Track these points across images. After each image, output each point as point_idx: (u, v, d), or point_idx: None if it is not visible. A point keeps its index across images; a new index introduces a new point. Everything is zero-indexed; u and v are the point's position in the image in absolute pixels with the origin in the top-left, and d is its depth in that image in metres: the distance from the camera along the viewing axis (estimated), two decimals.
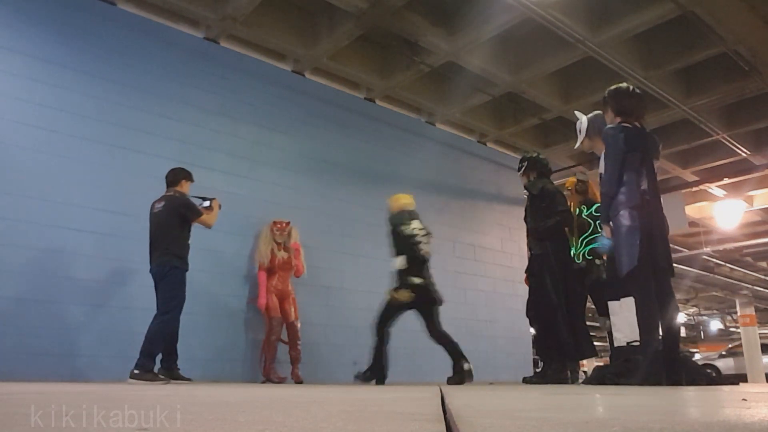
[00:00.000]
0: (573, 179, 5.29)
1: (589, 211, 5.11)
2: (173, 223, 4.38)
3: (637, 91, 3.94)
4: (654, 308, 3.63)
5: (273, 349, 5.38)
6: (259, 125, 6.19)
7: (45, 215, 4.68)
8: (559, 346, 4.60)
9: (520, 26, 6.12)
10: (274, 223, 5.71)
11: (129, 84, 5.36)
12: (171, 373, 4.46)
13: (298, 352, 5.50)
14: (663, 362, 3.52)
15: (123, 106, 5.28)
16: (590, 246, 4.95)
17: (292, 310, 5.57)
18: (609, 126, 3.82)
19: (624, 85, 4.00)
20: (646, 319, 3.61)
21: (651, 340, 3.56)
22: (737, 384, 4.37)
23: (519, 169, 5.17)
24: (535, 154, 5.19)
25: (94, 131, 5.07)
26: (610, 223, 3.75)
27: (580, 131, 4.25)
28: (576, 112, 4.38)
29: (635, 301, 3.72)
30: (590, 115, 4.26)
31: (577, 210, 5.17)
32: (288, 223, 5.77)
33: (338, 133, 6.88)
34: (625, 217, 3.62)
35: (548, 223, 4.71)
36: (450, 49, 6.38)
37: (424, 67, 6.69)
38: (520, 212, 9.04)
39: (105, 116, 5.16)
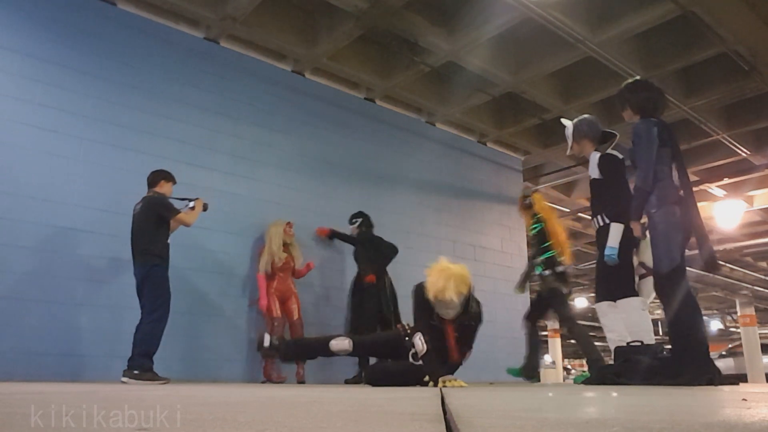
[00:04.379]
0: (521, 195, 5.43)
1: (533, 225, 5.24)
2: (150, 223, 4.41)
3: (655, 84, 3.78)
4: (695, 306, 3.48)
5: None
6: (259, 125, 6.19)
7: (45, 215, 4.68)
8: None
9: (520, 26, 6.12)
10: (288, 224, 5.73)
11: (129, 84, 5.36)
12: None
13: None
14: (710, 360, 3.43)
15: (123, 106, 5.28)
16: (543, 256, 5.04)
17: (296, 308, 5.57)
18: (640, 120, 3.65)
19: (639, 78, 3.87)
20: (690, 319, 3.44)
21: (696, 338, 3.42)
22: (737, 384, 4.35)
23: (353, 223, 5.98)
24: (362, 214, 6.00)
25: (94, 131, 5.07)
26: (643, 220, 3.59)
27: (567, 137, 4.26)
28: (562, 120, 4.38)
29: (672, 302, 3.46)
30: (575, 120, 4.25)
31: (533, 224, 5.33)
32: (292, 225, 5.82)
33: (338, 133, 6.88)
34: (666, 214, 3.47)
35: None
36: (450, 49, 6.38)
37: (424, 67, 6.69)
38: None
39: (105, 116, 5.16)
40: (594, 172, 4.13)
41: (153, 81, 5.52)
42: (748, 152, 8.56)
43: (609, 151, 4.15)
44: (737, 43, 6.14)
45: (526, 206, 5.29)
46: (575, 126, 4.21)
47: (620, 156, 4.16)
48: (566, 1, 5.63)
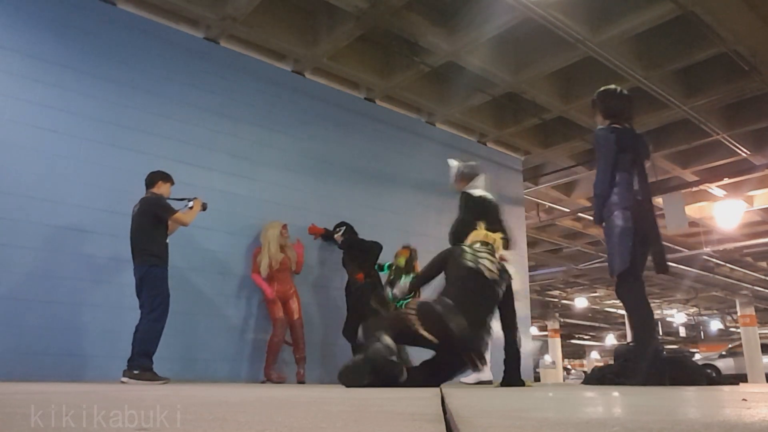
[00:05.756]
0: (406, 252, 5.67)
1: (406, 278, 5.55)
2: (147, 224, 4.42)
3: (625, 92, 3.99)
4: (648, 309, 3.65)
5: (275, 351, 5.38)
6: (259, 125, 6.19)
7: (45, 215, 4.68)
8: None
9: (520, 26, 6.12)
10: (284, 226, 5.73)
11: (129, 84, 5.36)
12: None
13: (301, 351, 5.51)
14: (664, 361, 3.54)
15: (123, 106, 5.28)
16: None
17: (296, 308, 5.58)
18: (599, 127, 3.87)
19: (612, 86, 4.06)
20: (642, 321, 3.63)
21: (650, 340, 3.58)
22: (737, 384, 4.36)
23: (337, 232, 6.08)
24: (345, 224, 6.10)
25: (94, 131, 5.07)
26: (603, 224, 3.78)
27: (451, 176, 4.98)
28: (449, 160, 5.07)
29: (627, 304, 3.73)
30: (460, 163, 4.96)
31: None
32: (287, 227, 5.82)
33: (338, 133, 6.88)
34: (618, 218, 3.62)
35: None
36: (450, 49, 6.38)
37: (424, 67, 6.69)
38: (520, 212, 9.11)
39: (105, 116, 5.16)
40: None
41: (153, 81, 5.52)
42: (748, 152, 8.56)
43: (465, 189, 4.80)
44: (737, 43, 6.13)
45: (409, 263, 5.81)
46: (459, 169, 4.92)
47: (475, 193, 4.76)
48: (566, 1, 5.63)
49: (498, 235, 3.89)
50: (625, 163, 3.68)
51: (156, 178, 4.63)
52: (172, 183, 4.71)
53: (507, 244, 4.54)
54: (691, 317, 25.01)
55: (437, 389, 2.74)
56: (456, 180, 4.98)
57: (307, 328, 5.70)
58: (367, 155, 7.10)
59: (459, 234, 4.44)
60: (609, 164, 3.66)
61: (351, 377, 3.12)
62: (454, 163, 5.01)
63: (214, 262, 5.54)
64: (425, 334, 3.26)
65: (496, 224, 4.53)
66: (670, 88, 7.11)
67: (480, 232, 3.84)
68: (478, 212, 4.55)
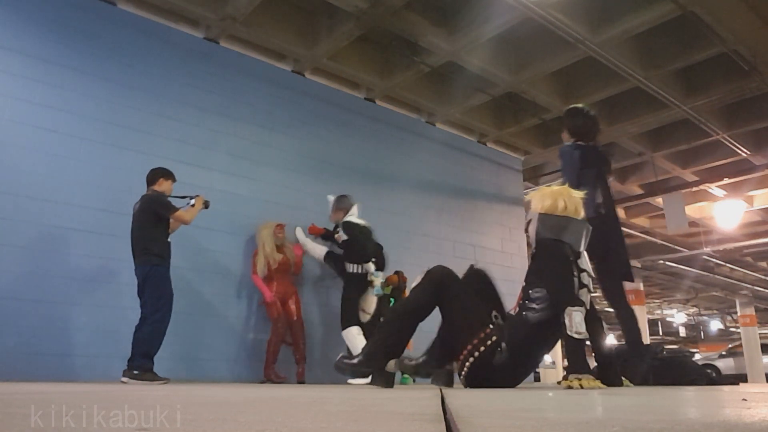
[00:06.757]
0: (394, 278, 6.33)
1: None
2: (148, 222, 4.38)
3: (592, 112, 4.24)
4: (596, 321, 3.87)
5: (275, 351, 5.38)
6: (259, 125, 6.19)
7: (45, 215, 4.68)
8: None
9: (520, 26, 6.12)
10: (278, 225, 5.72)
11: (129, 84, 5.36)
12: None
13: (301, 351, 5.51)
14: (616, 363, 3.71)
15: (123, 106, 5.28)
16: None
17: (296, 308, 5.58)
18: (565, 144, 4.12)
19: (579, 105, 4.33)
20: (591, 332, 3.80)
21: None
22: (737, 384, 4.37)
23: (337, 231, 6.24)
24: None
25: (94, 131, 5.07)
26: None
27: (330, 209, 5.69)
28: (328, 196, 5.76)
29: None
30: (336, 196, 5.72)
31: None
32: (284, 226, 5.80)
33: (338, 133, 6.88)
34: None
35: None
36: (450, 49, 6.38)
37: (424, 67, 6.69)
38: (521, 212, 9.10)
39: (105, 116, 5.16)
40: (342, 236, 5.57)
41: (153, 81, 5.52)
42: (748, 152, 8.57)
43: (347, 218, 5.56)
44: (737, 43, 6.13)
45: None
46: (335, 201, 5.68)
47: (355, 221, 5.59)
48: (566, 1, 5.63)
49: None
50: (589, 178, 3.87)
51: (157, 175, 4.58)
52: (174, 180, 4.65)
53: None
54: (691, 317, 25.01)
55: (437, 389, 2.74)
56: (333, 211, 5.69)
57: (307, 328, 5.70)
58: (367, 155, 7.09)
59: (359, 256, 5.44)
60: (572, 179, 3.85)
61: (346, 373, 3.23)
62: (330, 198, 5.77)
63: (214, 263, 5.54)
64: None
65: (374, 246, 5.59)
66: (670, 88, 7.11)
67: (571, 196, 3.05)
68: (363, 235, 5.54)
